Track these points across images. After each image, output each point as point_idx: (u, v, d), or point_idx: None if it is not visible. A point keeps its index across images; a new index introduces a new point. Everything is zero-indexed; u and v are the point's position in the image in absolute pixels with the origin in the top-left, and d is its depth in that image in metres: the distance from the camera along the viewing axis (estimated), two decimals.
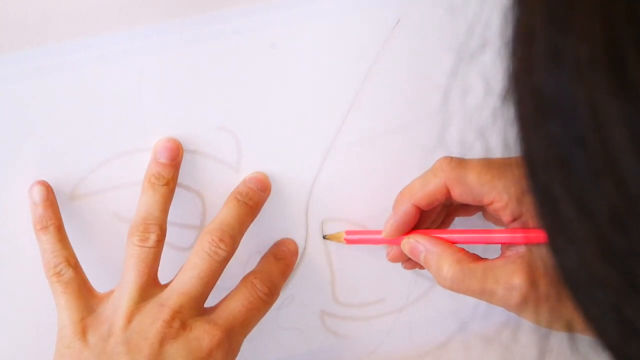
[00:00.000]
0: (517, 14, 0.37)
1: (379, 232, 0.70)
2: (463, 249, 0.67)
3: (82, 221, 0.70)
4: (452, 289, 0.66)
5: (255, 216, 0.70)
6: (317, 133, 0.71)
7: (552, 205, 0.36)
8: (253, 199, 0.70)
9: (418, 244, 0.68)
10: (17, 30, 0.65)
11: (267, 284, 0.69)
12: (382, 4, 0.69)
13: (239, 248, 0.68)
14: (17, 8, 0.64)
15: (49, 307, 0.68)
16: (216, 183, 0.70)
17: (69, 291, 0.67)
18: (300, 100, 0.70)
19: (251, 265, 0.71)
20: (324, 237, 0.73)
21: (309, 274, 0.73)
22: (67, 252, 0.68)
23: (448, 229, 0.72)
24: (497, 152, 0.39)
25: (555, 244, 0.38)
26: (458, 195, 0.67)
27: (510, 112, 0.37)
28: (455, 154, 0.65)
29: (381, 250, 0.73)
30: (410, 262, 0.71)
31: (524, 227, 0.65)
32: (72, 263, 0.67)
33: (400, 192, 0.69)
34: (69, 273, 0.67)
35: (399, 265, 0.73)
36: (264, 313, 0.69)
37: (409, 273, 0.74)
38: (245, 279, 0.70)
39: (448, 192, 0.67)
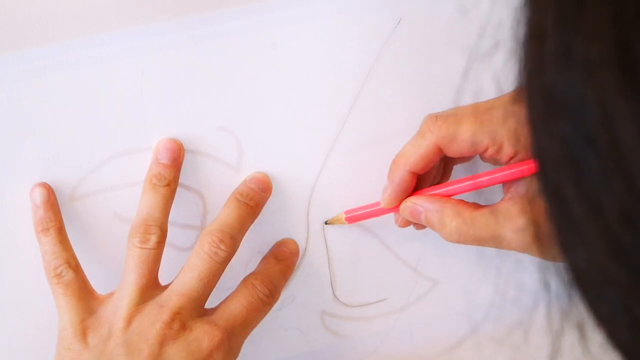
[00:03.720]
0: (528, 14, 0.37)
1: (377, 204, 0.69)
2: (462, 200, 0.66)
3: (82, 222, 0.70)
4: (459, 241, 0.65)
5: (256, 216, 0.70)
6: (319, 133, 0.70)
7: (563, 206, 0.36)
8: (254, 200, 0.69)
9: (416, 205, 0.67)
10: (17, 30, 0.65)
11: (268, 285, 0.69)
12: (382, 4, 0.69)
13: (240, 248, 0.68)
14: (17, 8, 0.64)
15: (49, 309, 0.68)
16: (217, 183, 0.70)
17: (69, 293, 0.67)
18: (301, 100, 0.70)
19: (252, 266, 0.71)
20: (326, 223, 0.72)
21: (309, 274, 0.73)
22: (67, 254, 0.67)
23: (443, 182, 0.69)
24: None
25: (566, 244, 0.38)
26: (452, 151, 0.66)
27: (521, 113, 0.37)
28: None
29: (382, 250, 0.73)
30: (419, 224, 0.69)
31: (521, 162, 0.64)
32: (73, 265, 0.67)
33: (394, 160, 0.68)
34: (69, 275, 0.67)
35: (399, 265, 0.73)
36: (265, 314, 0.69)
37: (409, 273, 0.74)
38: (245, 280, 0.69)
39: (441, 151, 0.66)
